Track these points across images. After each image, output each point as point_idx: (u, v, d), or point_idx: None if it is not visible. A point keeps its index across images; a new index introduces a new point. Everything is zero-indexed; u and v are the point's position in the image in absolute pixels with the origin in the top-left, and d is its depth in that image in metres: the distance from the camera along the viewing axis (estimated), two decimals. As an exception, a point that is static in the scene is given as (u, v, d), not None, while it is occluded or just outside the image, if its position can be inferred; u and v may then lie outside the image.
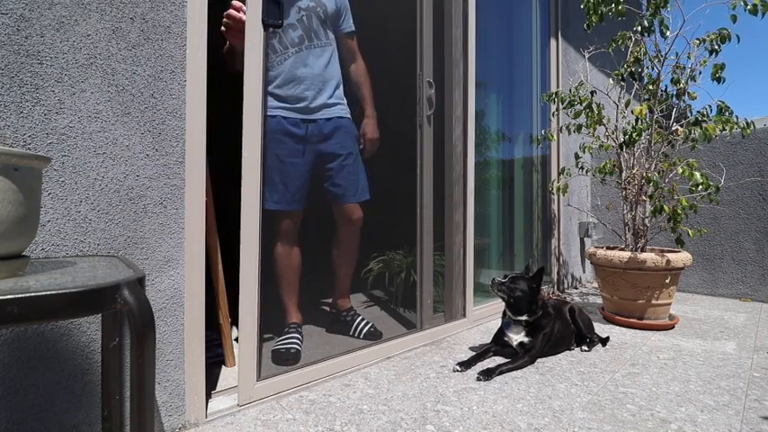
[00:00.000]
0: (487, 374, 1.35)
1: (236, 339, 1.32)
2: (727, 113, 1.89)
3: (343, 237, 1.74)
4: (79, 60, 0.87)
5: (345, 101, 1.69)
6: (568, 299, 2.65)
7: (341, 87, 1.67)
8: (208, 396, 1.17)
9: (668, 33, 1.92)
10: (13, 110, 0.79)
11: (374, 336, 1.67)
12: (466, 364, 1.43)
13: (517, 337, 1.52)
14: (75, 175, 0.87)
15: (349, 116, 1.68)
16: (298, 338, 1.55)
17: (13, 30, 0.79)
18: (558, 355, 1.58)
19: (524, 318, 1.51)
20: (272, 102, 1.53)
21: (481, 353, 1.53)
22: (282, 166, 1.53)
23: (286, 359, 1.40)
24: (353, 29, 1.69)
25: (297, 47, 1.55)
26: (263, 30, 1.22)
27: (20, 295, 0.44)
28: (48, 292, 0.46)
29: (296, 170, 1.55)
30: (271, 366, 1.34)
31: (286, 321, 1.66)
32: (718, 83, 1.90)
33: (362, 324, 1.73)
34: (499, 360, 1.51)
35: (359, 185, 1.68)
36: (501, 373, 1.38)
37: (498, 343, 1.58)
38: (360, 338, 1.69)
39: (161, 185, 1.00)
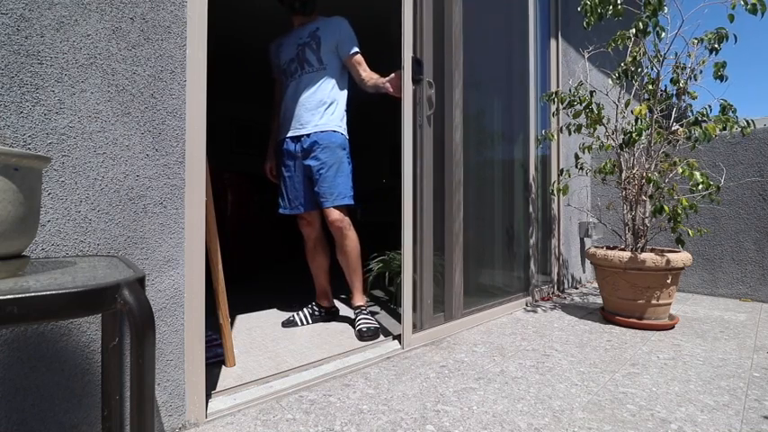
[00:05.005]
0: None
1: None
2: (730, 112, 1.89)
3: (335, 239, 1.86)
4: (79, 60, 0.87)
5: (337, 117, 1.83)
6: (567, 299, 2.65)
7: (333, 105, 1.83)
8: (208, 396, 1.17)
9: (663, 35, 1.93)
10: (13, 110, 0.79)
11: (364, 336, 1.70)
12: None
13: None
14: (75, 175, 0.87)
15: (334, 129, 1.80)
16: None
17: (13, 30, 0.79)
18: (559, 355, 1.58)
19: None
20: (282, 125, 1.90)
21: None
22: (283, 179, 1.90)
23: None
24: (354, 51, 1.84)
25: (292, 76, 1.87)
26: (411, 84, 1.65)
27: (20, 295, 0.44)
28: (48, 292, 0.46)
29: (291, 182, 1.87)
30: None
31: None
32: (721, 81, 1.90)
33: (360, 322, 1.78)
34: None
35: (336, 191, 1.77)
36: None
37: None
38: (357, 337, 1.74)
39: (161, 185, 1.00)
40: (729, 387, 1.30)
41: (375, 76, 1.80)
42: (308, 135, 1.79)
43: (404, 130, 1.64)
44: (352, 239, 1.82)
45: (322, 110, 1.79)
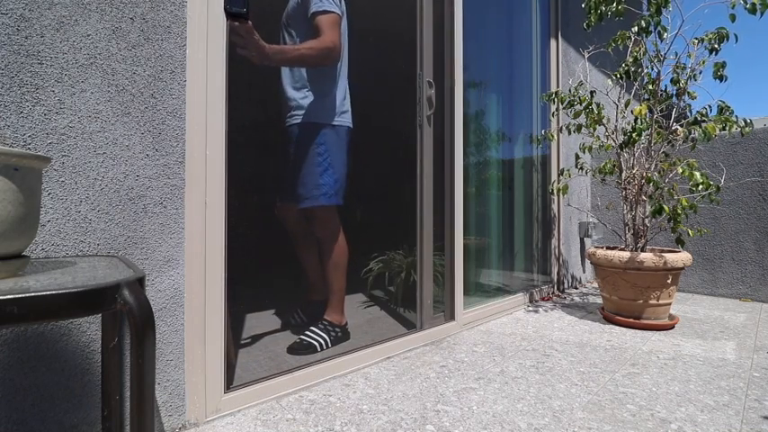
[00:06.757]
0: None
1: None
2: (727, 113, 1.89)
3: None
4: (79, 60, 0.87)
5: (310, 101, 1.56)
6: (567, 299, 2.65)
7: (306, 89, 1.57)
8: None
9: (666, 35, 1.93)
10: (13, 110, 0.79)
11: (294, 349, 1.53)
12: None
13: None
14: (75, 175, 0.87)
15: (309, 119, 1.56)
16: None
17: (13, 30, 0.79)
18: (559, 355, 1.58)
19: None
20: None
21: None
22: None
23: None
24: (321, 8, 1.46)
25: None
26: (225, 19, 1.08)
27: (20, 295, 0.44)
28: (48, 292, 0.46)
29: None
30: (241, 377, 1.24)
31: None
32: (721, 81, 1.90)
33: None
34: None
35: (305, 190, 1.54)
36: None
37: None
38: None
39: (161, 185, 1.00)
40: (729, 387, 1.30)
41: (305, 45, 1.46)
42: (291, 126, 1.61)
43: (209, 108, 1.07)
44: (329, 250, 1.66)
45: (301, 93, 1.57)
